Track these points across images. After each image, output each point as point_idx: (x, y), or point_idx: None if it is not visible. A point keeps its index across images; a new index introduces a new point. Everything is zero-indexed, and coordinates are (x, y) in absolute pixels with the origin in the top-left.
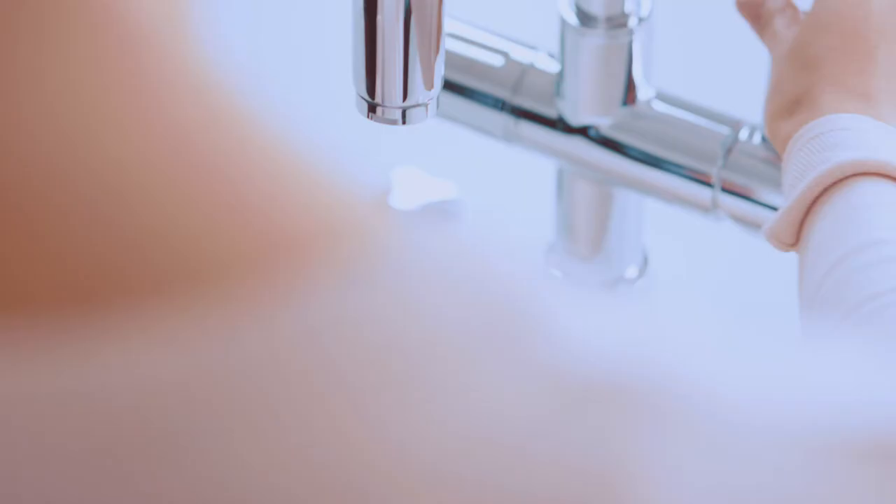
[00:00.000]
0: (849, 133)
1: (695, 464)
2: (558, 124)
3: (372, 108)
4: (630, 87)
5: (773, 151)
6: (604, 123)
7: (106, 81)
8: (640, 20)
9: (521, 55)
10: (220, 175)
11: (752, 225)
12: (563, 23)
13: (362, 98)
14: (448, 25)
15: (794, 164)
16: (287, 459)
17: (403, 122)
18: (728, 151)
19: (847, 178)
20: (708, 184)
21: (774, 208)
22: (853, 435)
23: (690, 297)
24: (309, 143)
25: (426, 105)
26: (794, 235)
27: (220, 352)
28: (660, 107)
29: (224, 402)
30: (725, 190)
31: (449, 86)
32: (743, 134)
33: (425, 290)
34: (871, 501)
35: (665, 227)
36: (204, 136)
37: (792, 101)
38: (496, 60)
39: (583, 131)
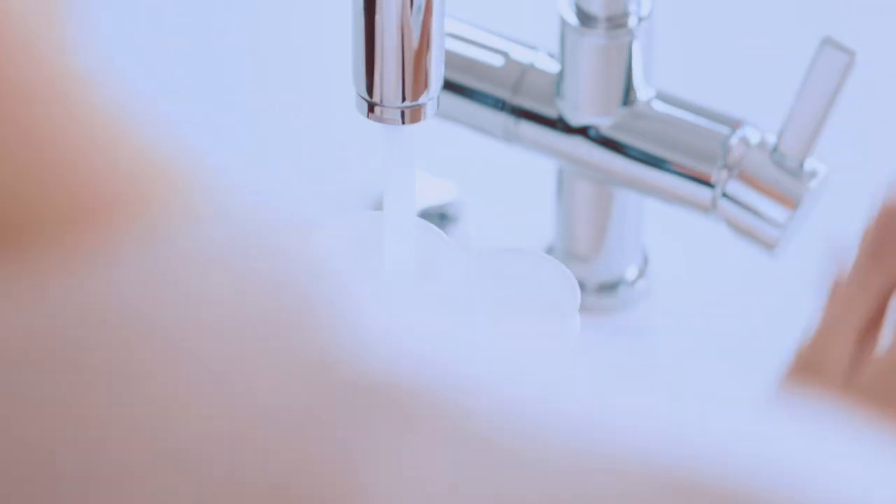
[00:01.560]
0: None
1: (440, 474)
2: (558, 124)
3: (371, 108)
4: (630, 87)
5: (773, 151)
6: (604, 123)
7: None
8: (640, 20)
9: (521, 55)
10: (44, 140)
11: (751, 224)
12: (563, 23)
13: (362, 98)
14: (448, 25)
15: None
16: (70, 423)
17: (403, 122)
18: (728, 151)
19: None
20: (708, 184)
21: (774, 211)
22: (641, 467)
23: (689, 299)
24: (143, 120)
25: (426, 105)
26: None
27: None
28: (660, 107)
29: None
30: (725, 191)
31: (449, 86)
32: (743, 134)
33: (203, 272)
34: None
35: (665, 227)
36: (36, 100)
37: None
38: (496, 60)
39: (583, 131)
